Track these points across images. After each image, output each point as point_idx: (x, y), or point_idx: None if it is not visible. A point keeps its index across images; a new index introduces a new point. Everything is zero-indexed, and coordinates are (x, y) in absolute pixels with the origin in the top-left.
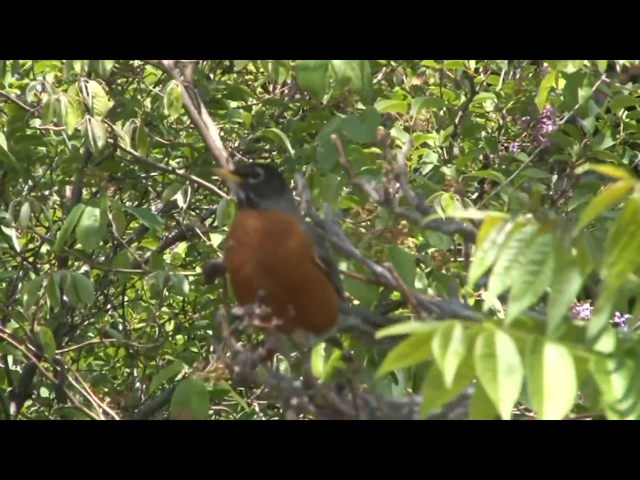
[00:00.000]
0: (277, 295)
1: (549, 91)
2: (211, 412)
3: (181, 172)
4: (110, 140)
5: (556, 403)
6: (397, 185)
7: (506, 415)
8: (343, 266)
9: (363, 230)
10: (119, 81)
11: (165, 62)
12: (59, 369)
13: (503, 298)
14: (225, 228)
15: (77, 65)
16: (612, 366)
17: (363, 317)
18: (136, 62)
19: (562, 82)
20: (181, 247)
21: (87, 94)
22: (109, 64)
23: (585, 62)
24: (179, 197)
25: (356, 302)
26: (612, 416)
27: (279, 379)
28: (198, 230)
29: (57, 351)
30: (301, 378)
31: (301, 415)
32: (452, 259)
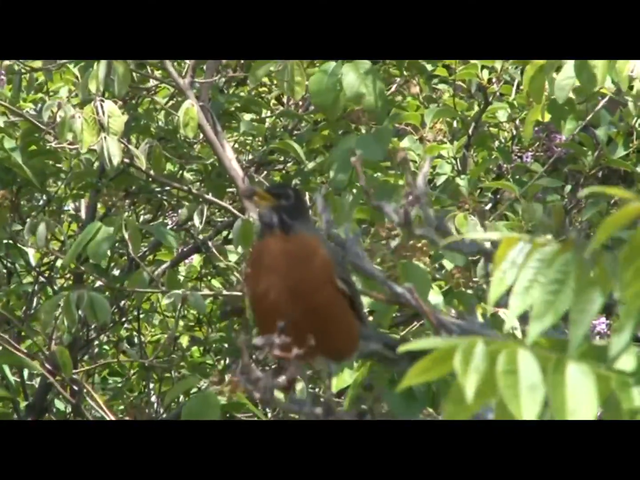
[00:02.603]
0: (300, 322)
1: (534, 125)
2: None
3: (195, 190)
4: (127, 160)
5: (579, 420)
6: (417, 206)
7: None
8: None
9: (382, 248)
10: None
11: (181, 81)
12: (76, 388)
13: (522, 318)
14: (240, 248)
15: (93, 85)
16: (634, 384)
17: (384, 342)
18: (151, 82)
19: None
20: (196, 260)
21: (103, 114)
22: (125, 85)
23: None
24: (195, 218)
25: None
26: None
27: (300, 405)
28: (212, 248)
29: (74, 371)
30: (322, 403)
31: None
32: (471, 279)
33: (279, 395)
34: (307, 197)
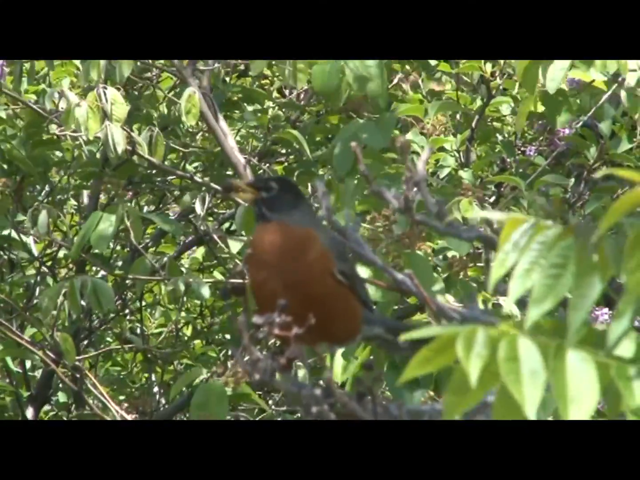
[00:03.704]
0: (299, 310)
1: (527, 116)
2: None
3: (198, 178)
4: (129, 148)
5: (580, 406)
6: (417, 192)
7: (532, 416)
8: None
9: (381, 235)
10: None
11: (183, 69)
12: (77, 375)
13: (521, 303)
14: (244, 234)
15: (94, 72)
16: (633, 372)
17: (387, 326)
18: (153, 71)
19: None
20: (199, 252)
21: (106, 101)
22: (126, 71)
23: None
24: (197, 204)
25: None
26: (632, 417)
27: (300, 386)
28: (215, 237)
29: (76, 358)
30: (322, 385)
31: None
32: (472, 264)
33: (279, 377)
34: (309, 187)
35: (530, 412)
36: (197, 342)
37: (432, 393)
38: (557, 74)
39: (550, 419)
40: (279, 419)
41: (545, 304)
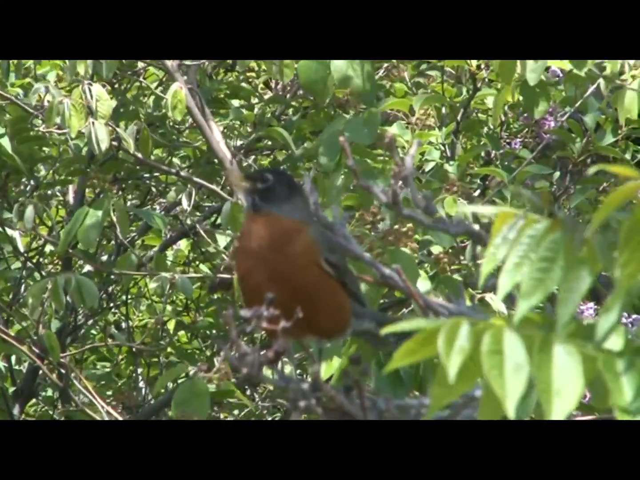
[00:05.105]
0: (285, 302)
1: (503, 105)
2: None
3: (184, 173)
4: (114, 143)
5: (564, 400)
6: (404, 187)
7: (511, 412)
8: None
9: (366, 232)
10: (121, 81)
11: (169, 63)
12: (63, 371)
13: (509, 299)
14: (229, 230)
15: (81, 67)
16: (621, 365)
17: (377, 321)
18: (139, 64)
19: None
20: (184, 245)
21: (91, 97)
22: (113, 67)
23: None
24: (183, 199)
25: None
26: (621, 416)
27: (287, 380)
28: (201, 231)
29: (62, 354)
30: (309, 380)
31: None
32: (457, 261)
33: (266, 372)
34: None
35: (510, 409)
36: (181, 334)
37: (417, 393)
38: (538, 65)
39: (532, 416)
40: (268, 419)
41: (535, 297)
